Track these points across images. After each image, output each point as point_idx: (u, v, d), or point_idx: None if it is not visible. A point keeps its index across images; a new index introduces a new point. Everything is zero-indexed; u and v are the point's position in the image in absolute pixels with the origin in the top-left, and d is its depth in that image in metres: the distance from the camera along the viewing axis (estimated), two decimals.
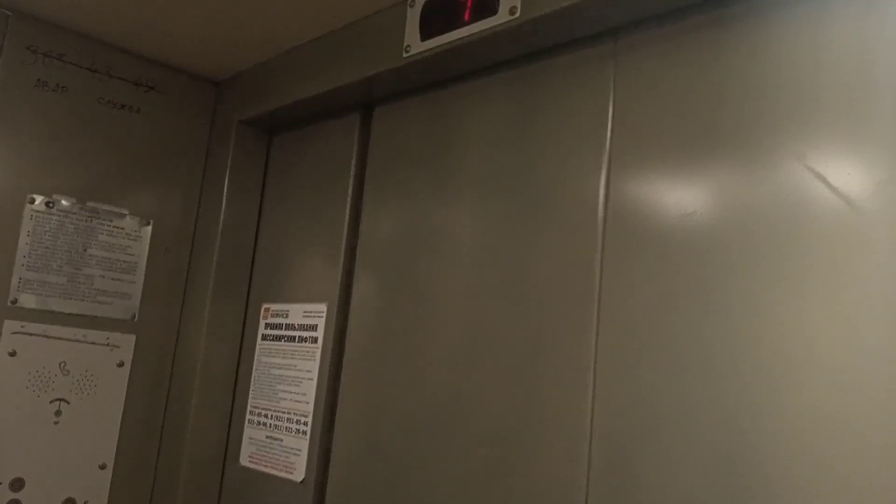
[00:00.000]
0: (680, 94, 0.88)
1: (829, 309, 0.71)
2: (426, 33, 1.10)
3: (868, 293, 0.69)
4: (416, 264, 1.16)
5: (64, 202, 1.36)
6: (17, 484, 1.28)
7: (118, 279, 1.42)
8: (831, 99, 0.75)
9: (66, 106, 1.37)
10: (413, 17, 1.13)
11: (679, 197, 0.85)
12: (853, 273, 0.70)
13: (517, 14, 0.97)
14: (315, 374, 1.27)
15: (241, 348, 1.47)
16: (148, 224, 1.47)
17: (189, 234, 1.53)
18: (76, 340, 1.36)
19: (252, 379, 1.41)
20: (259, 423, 1.36)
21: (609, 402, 0.87)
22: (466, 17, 1.04)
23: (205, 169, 1.55)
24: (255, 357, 1.42)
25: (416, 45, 1.11)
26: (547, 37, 1.01)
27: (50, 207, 1.34)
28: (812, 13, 0.78)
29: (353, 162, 1.32)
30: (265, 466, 1.32)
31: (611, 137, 0.94)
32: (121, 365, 1.41)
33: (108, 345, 1.40)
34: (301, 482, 1.24)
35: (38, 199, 1.33)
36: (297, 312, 1.34)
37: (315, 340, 1.29)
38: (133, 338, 1.43)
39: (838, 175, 0.73)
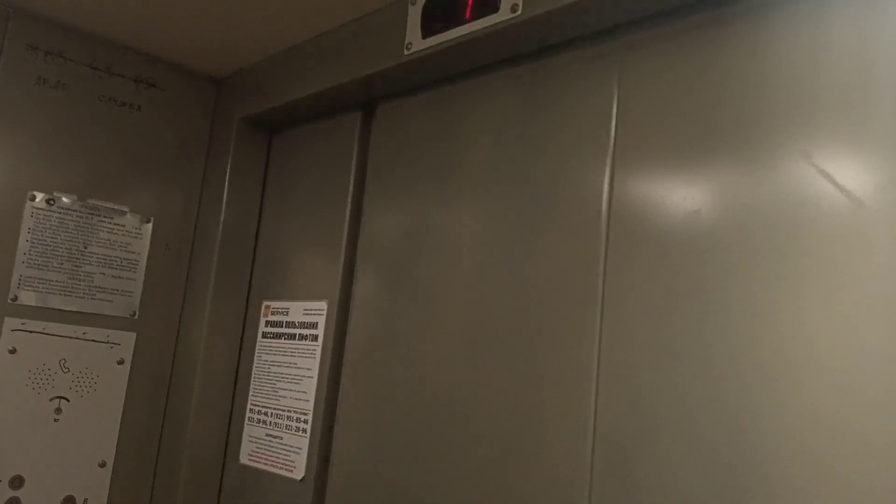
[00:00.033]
0: (681, 93, 0.88)
1: (830, 309, 0.71)
2: (427, 31, 1.10)
3: (868, 293, 0.69)
4: (418, 262, 1.16)
5: (64, 199, 1.36)
6: (17, 482, 1.29)
7: (118, 277, 1.42)
8: (832, 98, 0.75)
9: (67, 103, 1.37)
10: (414, 14, 1.13)
11: (684, 195, 0.85)
12: (853, 273, 0.70)
13: (519, 11, 0.97)
14: (315, 372, 1.27)
15: (241, 346, 1.47)
16: (148, 221, 1.47)
17: (190, 232, 1.53)
18: (76, 338, 1.36)
19: (252, 377, 1.41)
20: (259, 421, 1.36)
21: (613, 402, 0.87)
22: (468, 14, 1.04)
23: (205, 166, 1.55)
24: (256, 355, 1.42)
25: (417, 42, 1.11)
26: (549, 35, 1.01)
27: (50, 205, 1.34)
28: (812, 12, 0.78)
29: (354, 160, 1.32)
30: (265, 464, 1.32)
31: (615, 136, 0.94)
32: (121, 363, 1.41)
33: (108, 342, 1.40)
34: (301, 480, 1.24)
35: (39, 196, 1.33)
36: (298, 310, 1.34)
37: (315, 338, 1.29)
38: (133, 335, 1.43)
39: (839, 175, 0.73)
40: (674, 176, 0.87)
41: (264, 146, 1.54)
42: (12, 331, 1.29)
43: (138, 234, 1.45)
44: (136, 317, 1.44)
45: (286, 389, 1.32)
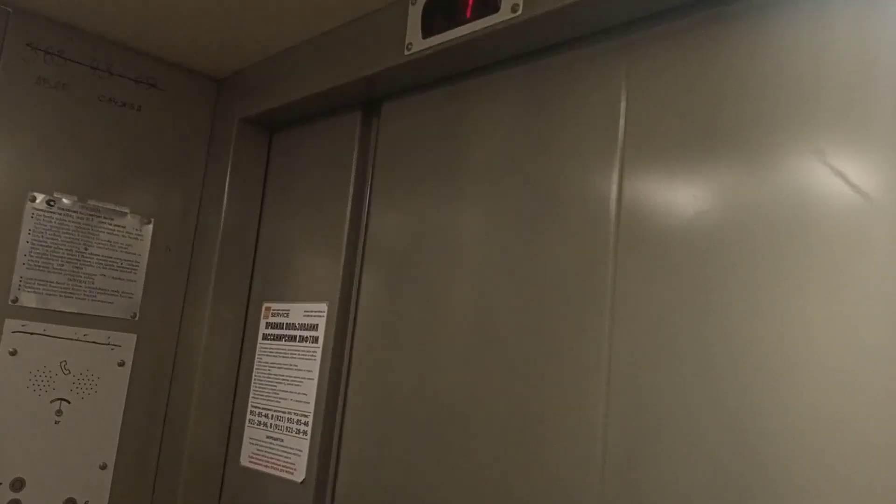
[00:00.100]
0: (683, 93, 0.88)
1: (830, 309, 0.71)
2: (428, 31, 1.10)
3: (868, 293, 0.68)
4: (424, 263, 1.15)
5: (65, 200, 1.36)
6: (18, 484, 1.28)
7: (119, 278, 1.42)
8: (832, 98, 0.75)
9: (67, 103, 1.37)
10: (415, 14, 1.13)
11: (693, 193, 0.84)
12: (854, 273, 0.70)
13: (519, 11, 0.96)
14: (315, 374, 1.27)
15: (241, 348, 1.47)
16: (149, 222, 1.47)
17: (190, 233, 1.53)
18: (77, 340, 1.36)
19: (253, 378, 1.41)
20: (259, 422, 1.36)
21: (623, 405, 0.86)
22: (468, 14, 1.04)
23: (206, 167, 1.55)
24: (256, 356, 1.41)
25: (417, 42, 1.11)
26: (549, 34, 1.01)
27: (51, 206, 1.34)
28: (813, 12, 0.78)
29: (355, 160, 1.32)
30: (265, 466, 1.32)
31: (623, 135, 0.93)
32: (121, 364, 1.41)
33: (108, 344, 1.40)
34: (301, 482, 1.24)
35: (39, 197, 1.33)
36: (298, 312, 1.34)
37: (316, 340, 1.28)
38: (134, 337, 1.43)
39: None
40: (683, 175, 0.86)
41: (264, 146, 1.54)
42: (13, 332, 1.29)
43: (139, 235, 1.45)
44: (136, 318, 1.44)
45: (287, 391, 1.32)
